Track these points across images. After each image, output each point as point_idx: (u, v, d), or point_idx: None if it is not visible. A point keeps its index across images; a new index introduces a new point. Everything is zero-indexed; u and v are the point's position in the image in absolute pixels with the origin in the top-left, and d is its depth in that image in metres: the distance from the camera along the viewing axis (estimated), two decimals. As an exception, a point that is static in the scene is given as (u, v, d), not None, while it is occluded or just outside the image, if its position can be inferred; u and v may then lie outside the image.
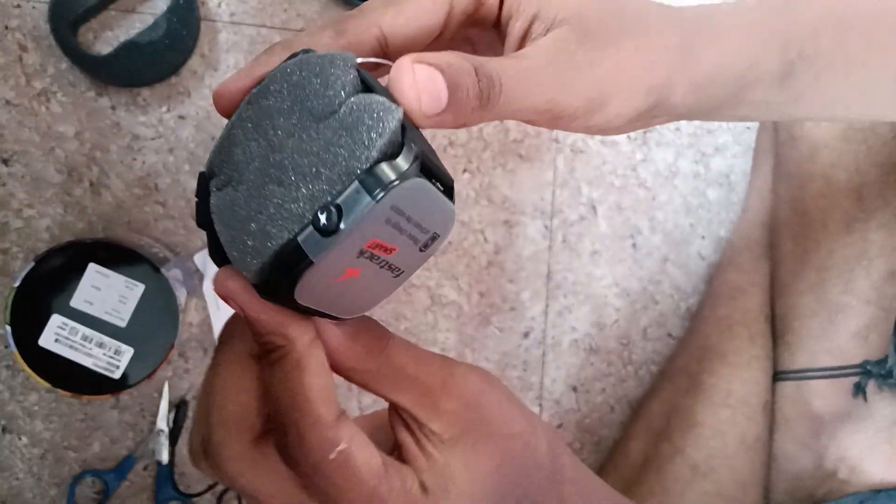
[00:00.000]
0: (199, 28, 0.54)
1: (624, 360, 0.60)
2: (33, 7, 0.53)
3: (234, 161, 0.24)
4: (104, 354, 0.47)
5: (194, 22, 0.53)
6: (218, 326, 0.55)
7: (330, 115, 0.23)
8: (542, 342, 0.59)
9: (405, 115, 0.23)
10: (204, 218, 0.25)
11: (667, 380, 0.57)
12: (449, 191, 0.24)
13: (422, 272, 0.57)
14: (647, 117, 0.31)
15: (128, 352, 0.47)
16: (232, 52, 0.55)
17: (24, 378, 0.53)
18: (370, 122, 0.22)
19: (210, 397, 0.26)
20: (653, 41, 0.30)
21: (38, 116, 0.53)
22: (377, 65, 0.27)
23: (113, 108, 0.54)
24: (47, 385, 0.47)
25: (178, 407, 0.55)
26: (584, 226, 0.60)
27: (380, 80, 0.26)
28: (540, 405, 0.59)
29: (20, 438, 0.53)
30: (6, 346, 0.51)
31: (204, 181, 0.25)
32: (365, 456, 0.25)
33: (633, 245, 0.61)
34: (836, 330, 0.51)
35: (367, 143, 0.22)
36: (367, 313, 0.26)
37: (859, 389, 0.49)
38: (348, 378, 0.27)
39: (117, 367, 0.47)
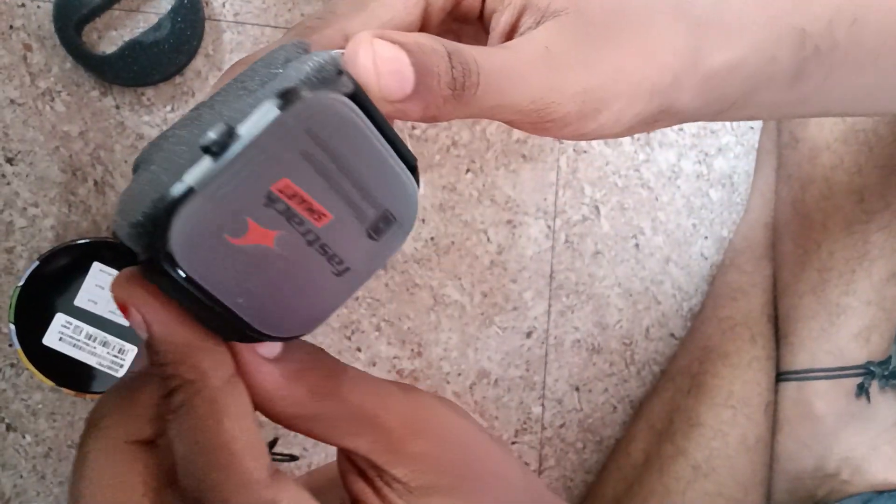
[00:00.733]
0: (203, 28, 0.54)
1: (626, 360, 0.60)
2: (38, 6, 0.53)
3: (157, 150, 0.20)
4: (108, 353, 0.48)
5: (199, 22, 0.53)
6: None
7: (263, 84, 0.19)
8: (545, 342, 0.59)
9: (360, 87, 0.19)
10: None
11: (669, 380, 0.57)
12: (411, 169, 0.20)
13: (424, 272, 0.57)
14: (649, 122, 0.28)
15: (132, 350, 0.48)
16: (236, 53, 0.56)
17: (29, 376, 0.53)
18: (295, 62, 0.18)
19: None
20: (659, 40, 0.26)
21: (43, 116, 0.53)
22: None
23: (117, 107, 0.54)
24: (51, 384, 0.47)
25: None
26: (586, 226, 0.60)
27: None
28: (542, 405, 0.59)
29: (24, 437, 0.54)
30: (10, 345, 0.51)
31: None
32: None
33: (636, 245, 0.61)
34: (838, 331, 0.51)
35: (283, 73, 0.18)
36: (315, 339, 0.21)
37: (862, 390, 0.49)
38: (287, 425, 0.22)
39: (121, 365, 0.48)
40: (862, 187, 0.51)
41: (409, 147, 0.21)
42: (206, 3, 0.55)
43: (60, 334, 0.47)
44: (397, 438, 0.22)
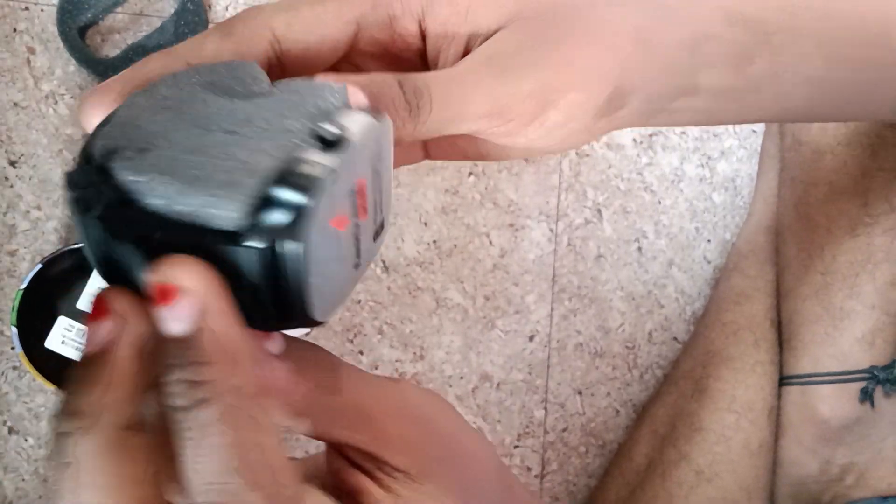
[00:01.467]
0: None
1: (629, 363, 0.60)
2: (41, 10, 0.53)
3: (144, 132, 0.19)
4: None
5: (202, 25, 0.53)
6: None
7: (258, 95, 0.20)
8: (547, 345, 0.59)
9: None
10: (94, 202, 0.18)
11: (672, 384, 0.57)
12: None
13: (426, 275, 0.57)
14: (606, 113, 0.29)
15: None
16: (239, 56, 0.56)
17: (31, 379, 0.53)
18: (320, 90, 0.20)
19: None
20: (601, 27, 0.28)
21: (46, 119, 0.53)
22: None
23: (120, 110, 0.54)
24: (53, 387, 0.47)
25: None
26: (589, 229, 0.60)
27: None
28: (545, 408, 0.59)
29: (26, 440, 0.54)
30: (12, 348, 0.51)
31: (89, 162, 0.19)
32: None
33: (639, 249, 0.61)
34: (842, 335, 0.51)
35: (330, 99, 0.20)
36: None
37: (866, 395, 0.49)
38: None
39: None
40: (866, 190, 0.51)
41: None
42: (209, 7, 0.55)
43: (63, 337, 0.47)
44: (395, 428, 0.22)
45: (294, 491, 0.19)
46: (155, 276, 0.17)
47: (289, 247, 0.17)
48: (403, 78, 0.24)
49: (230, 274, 0.18)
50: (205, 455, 0.17)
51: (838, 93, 0.35)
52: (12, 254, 0.53)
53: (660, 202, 0.61)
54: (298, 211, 0.17)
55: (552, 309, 0.59)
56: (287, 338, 0.21)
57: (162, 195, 0.17)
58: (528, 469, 0.58)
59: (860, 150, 0.52)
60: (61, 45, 0.52)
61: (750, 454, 0.51)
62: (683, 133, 0.62)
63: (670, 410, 0.55)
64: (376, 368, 0.57)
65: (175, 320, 0.17)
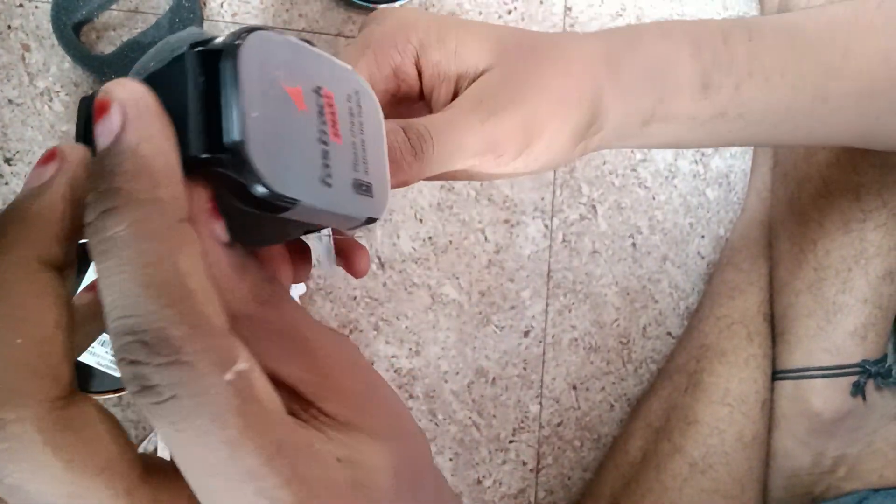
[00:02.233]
0: (201, 28, 0.54)
1: (623, 358, 0.61)
2: (36, 7, 0.53)
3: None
4: (107, 353, 0.48)
5: (197, 22, 0.53)
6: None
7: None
8: (542, 341, 0.59)
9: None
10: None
11: (666, 378, 0.57)
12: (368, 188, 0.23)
13: (422, 271, 0.57)
14: (587, 135, 0.32)
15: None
16: (234, 52, 0.56)
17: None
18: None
19: None
20: (570, 58, 0.31)
21: (41, 115, 0.53)
22: None
23: (115, 107, 0.54)
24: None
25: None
26: (584, 225, 0.60)
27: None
28: (540, 403, 0.59)
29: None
30: (9, 345, 0.51)
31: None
32: (269, 391, 0.17)
33: (633, 244, 0.61)
34: (834, 329, 0.51)
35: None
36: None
37: (858, 389, 0.50)
38: None
39: (120, 365, 0.48)
40: (858, 185, 0.52)
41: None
42: (204, 4, 0.55)
43: (59, 334, 0.47)
44: (327, 370, 0.20)
45: (222, 331, 0.17)
46: (98, 95, 0.17)
47: (223, 64, 0.18)
48: (407, 125, 0.26)
49: (172, 100, 0.18)
50: (112, 272, 0.16)
51: (802, 120, 0.37)
52: (8, 251, 0.53)
53: (654, 198, 0.62)
54: (231, 46, 0.18)
55: (547, 304, 0.60)
56: (236, 242, 0.20)
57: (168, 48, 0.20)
58: (524, 463, 0.58)
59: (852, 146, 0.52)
60: (56, 41, 0.52)
61: (743, 447, 0.52)
62: (677, 129, 0.62)
63: (664, 404, 0.56)
64: (372, 364, 0.57)
65: (102, 134, 0.17)
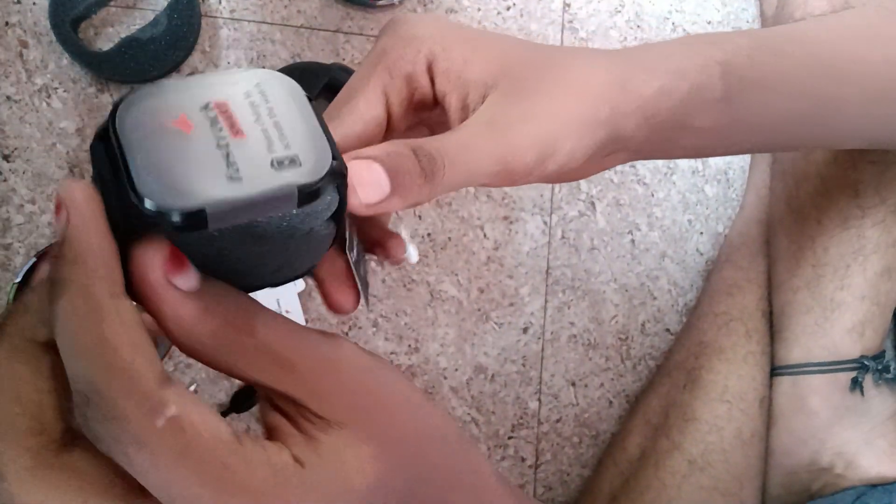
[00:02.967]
0: (199, 25, 0.54)
1: (622, 355, 0.61)
2: (34, 3, 0.53)
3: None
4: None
5: (195, 18, 0.53)
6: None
7: None
8: (541, 337, 0.60)
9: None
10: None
11: (664, 375, 0.58)
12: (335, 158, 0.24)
13: (421, 268, 0.57)
14: (604, 154, 0.32)
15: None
16: (233, 49, 0.56)
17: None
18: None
19: None
20: (583, 79, 0.31)
21: (40, 112, 0.53)
22: None
23: (114, 104, 0.54)
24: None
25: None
26: (582, 222, 0.60)
27: None
28: (539, 400, 0.59)
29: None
30: (8, 342, 0.51)
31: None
32: (207, 422, 0.20)
33: (632, 241, 0.61)
34: (832, 326, 0.51)
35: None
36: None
37: (856, 384, 0.50)
38: (202, 358, 0.22)
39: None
40: (856, 182, 0.52)
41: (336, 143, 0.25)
42: (203, 0, 0.55)
43: (58, 331, 0.47)
44: (316, 377, 0.23)
45: (150, 386, 0.19)
46: (58, 189, 0.21)
47: (116, 135, 0.21)
48: (417, 147, 0.27)
49: (105, 185, 0.21)
50: (62, 344, 0.20)
51: (801, 125, 0.38)
52: (7, 248, 0.53)
53: (653, 195, 0.62)
54: (104, 130, 0.21)
55: (546, 301, 0.60)
56: (207, 280, 0.22)
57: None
58: (523, 459, 0.59)
59: (851, 143, 0.53)
60: (54, 38, 0.52)
61: (742, 443, 0.52)
62: (676, 126, 0.62)
63: (663, 401, 0.56)
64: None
65: (57, 230, 0.21)
